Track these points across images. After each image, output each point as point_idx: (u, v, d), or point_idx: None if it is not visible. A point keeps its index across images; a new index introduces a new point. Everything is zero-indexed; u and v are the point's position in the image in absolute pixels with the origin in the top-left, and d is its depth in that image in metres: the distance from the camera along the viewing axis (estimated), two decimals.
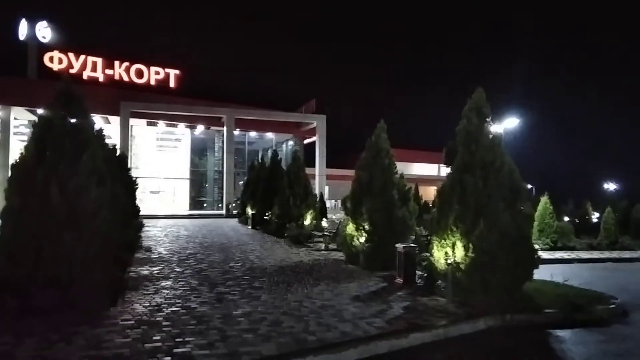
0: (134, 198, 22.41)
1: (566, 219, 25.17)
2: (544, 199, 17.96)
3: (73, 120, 8.28)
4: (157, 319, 6.51)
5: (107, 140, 30.16)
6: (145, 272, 10.05)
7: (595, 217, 30.83)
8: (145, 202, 38.36)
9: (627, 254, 16.57)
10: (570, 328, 7.26)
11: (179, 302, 7.44)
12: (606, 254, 16.32)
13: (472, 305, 7.66)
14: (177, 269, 10.49)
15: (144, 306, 7.22)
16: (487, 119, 8.75)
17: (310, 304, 7.55)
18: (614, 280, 11.86)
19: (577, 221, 26.70)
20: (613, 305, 8.20)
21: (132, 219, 18.06)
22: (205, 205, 39.31)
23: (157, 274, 9.91)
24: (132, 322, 6.36)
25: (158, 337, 5.70)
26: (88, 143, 8.23)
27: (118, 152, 22.33)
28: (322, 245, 15.38)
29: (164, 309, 7.02)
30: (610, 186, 50.24)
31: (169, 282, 9.02)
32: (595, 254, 16.23)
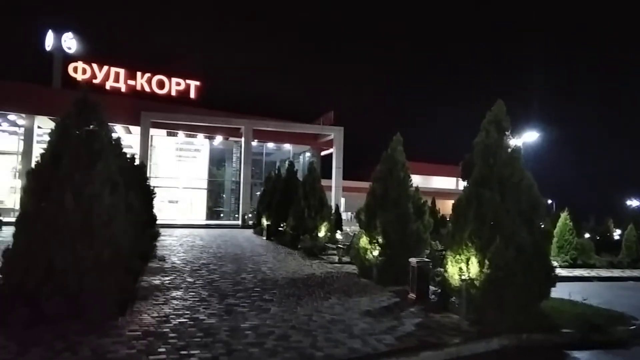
0: (151, 207, 22.71)
1: (587, 235, 24.55)
2: (564, 215, 17.54)
3: (89, 129, 8.39)
4: (164, 330, 6.46)
5: (127, 150, 30.67)
6: (157, 282, 10.04)
7: (617, 234, 30.09)
8: (164, 212, 38.78)
9: None
10: (588, 349, 7.00)
11: (187, 314, 7.38)
12: (627, 273, 15.82)
13: (486, 323, 7.44)
14: (189, 279, 10.46)
15: (152, 317, 7.17)
16: (507, 133, 8.58)
17: (320, 318, 7.42)
18: (634, 300, 11.46)
19: (598, 238, 26.05)
20: (633, 327, 7.88)
21: (148, 228, 18.22)
22: (222, 215, 39.51)
23: (169, 284, 9.89)
24: (139, 332, 6.32)
25: (163, 349, 5.64)
26: (103, 151, 8.29)
27: (137, 161, 22.73)
28: (336, 258, 15.24)
29: (172, 320, 6.96)
30: (633, 203, 49.08)
31: (179, 293, 8.98)
32: (616, 272, 15.75)
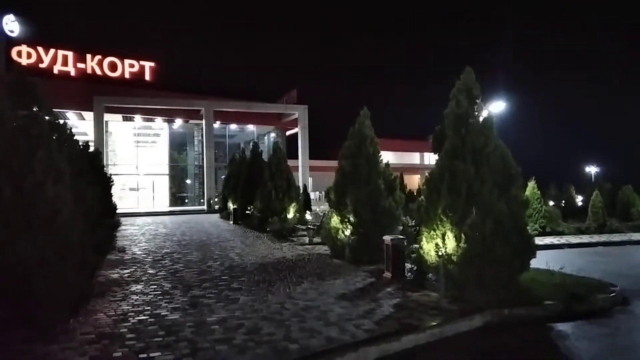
0: (109, 196, 21.66)
1: (551, 203, 24.96)
2: (532, 184, 17.59)
3: (26, 113, 7.54)
4: (121, 330, 5.84)
5: (82, 137, 29.19)
6: (115, 276, 9.34)
7: (579, 200, 30.83)
8: (125, 200, 37.39)
9: (616, 237, 16.29)
10: (571, 320, 6.78)
11: (147, 310, 6.76)
12: (596, 238, 16.02)
13: (466, 299, 7.14)
14: (150, 271, 9.79)
15: (108, 316, 6.53)
16: (477, 101, 8.19)
17: (293, 305, 6.94)
18: (607, 265, 11.49)
19: (562, 205, 26.58)
20: (613, 294, 7.75)
21: (106, 218, 17.28)
22: (186, 201, 38.45)
23: (128, 277, 9.20)
24: (93, 335, 5.68)
25: (119, 354, 5.04)
26: (43, 137, 7.46)
27: (92, 148, 21.52)
28: (306, 239, 14.78)
29: (130, 319, 6.34)
30: (592, 169, 50.55)
31: (139, 287, 8.32)
32: (585, 239, 15.92)
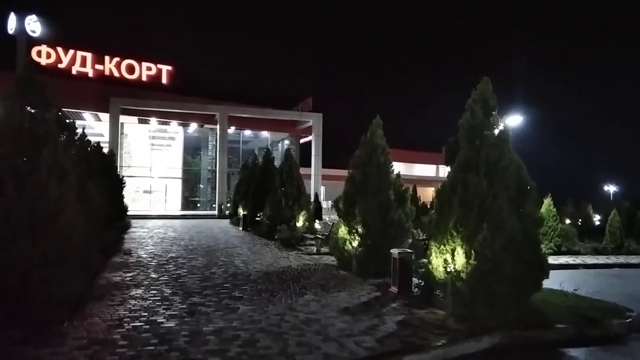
0: (121, 197, 21.70)
1: (567, 221, 24.39)
2: (547, 201, 17.15)
3: (33, 111, 7.50)
4: (114, 336, 5.67)
5: (98, 138, 29.35)
6: (117, 279, 9.21)
7: (596, 219, 30.12)
8: (138, 202, 37.56)
9: (634, 259, 15.76)
10: (584, 346, 6.46)
11: (144, 316, 6.59)
12: (612, 259, 15.52)
13: (475, 319, 6.84)
14: (153, 275, 9.64)
15: (104, 320, 6.38)
16: (494, 112, 7.92)
17: (293, 317, 6.71)
18: (624, 288, 11.06)
19: (579, 224, 25.96)
20: (629, 319, 7.38)
21: (115, 220, 17.26)
22: (198, 205, 38.46)
23: (130, 281, 9.06)
24: (85, 340, 5.52)
25: None
26: (49, 136, 7.39)
27: (105, 149, 21.60)
28: (314, 249, 14.56)
29: (125, 324, 6.17)
30: (610, 188, 49.56)
31: (139, 291, 8.16)
32: (601, 259, 15.42)
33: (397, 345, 5.64)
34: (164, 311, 6.86)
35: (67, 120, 10.05)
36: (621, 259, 15.54)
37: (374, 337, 5.92)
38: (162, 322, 6.29)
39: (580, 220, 27.50)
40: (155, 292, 8.14)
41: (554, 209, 17.15)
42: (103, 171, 16.89)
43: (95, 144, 18.91)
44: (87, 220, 8.81)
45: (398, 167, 12.07)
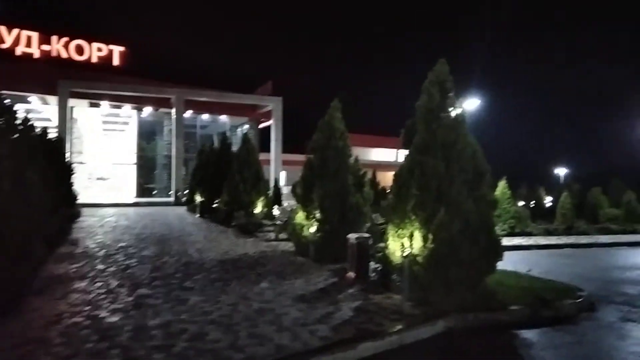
0: (69, 185, 20.72)
1: (521, 203, 25.06)
2: (502, 184, 17.49)
3: None
4: (51, 334, 5.26)
5: (46, 123, 27.89)
6: (61, 271, 8.69)
7: (548, 201, 31.14)
8: (91, 190, 36.15)
9: (583, 239, 16.30)
10: (537, 327, 6.50)
11: (86, 310, 6.18)
12: (563, 240, 16.00)
13: (431, 303, 6.79)
14: (100, 267, 9.16)
15: (42, 316, 5.94)
16: (450, 95, 7.81)
17: (246, 307, 6.46)
18: (574, 268, 11.39)
19: (532, 206, 26.73)
20: (580, 299, 7.51)
21: (63, 208, 16.44)
22: (154, 192, 37.42)
23: (74, 273, 8.56)
24: (18, 339, 5.09)
25: None
26: None
27: (52, 134, 20.50)
28: (272, 235, 14.31)
29: (64, 320, 5.76)
30: (561, 171, 51.35)
31: (83, 284, 7.71)
32: (553, 240, 15.88)
33: (352, 333, 5.48)
34: (108, 305, 6.47)
35: (6, 103, 9.36)
36: (572, 240, 16.04)
37: (329, 325, 5.75)
38: (104, 317, 5.90)
39: (533, 202, 28.29)
40: (101, 284, 7.70)
41: (509, 192, 17.52)
42: (48, 157, 16.02)
43: (41, 129, 17.94)
44: (27, 208, 8.26)
45: (357, 152, 11.93)
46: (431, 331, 6.03)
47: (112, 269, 8.97)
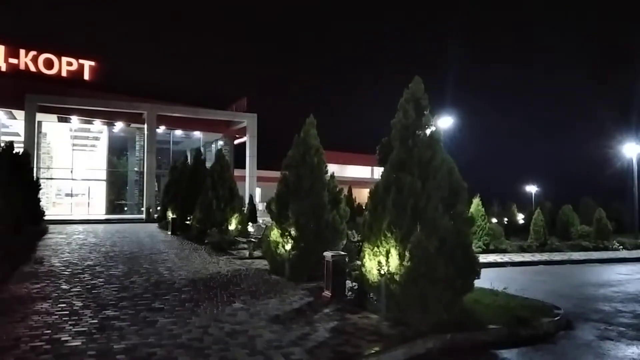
0: (36, 201, 20.01)
1: (494, 220, 25.36)
2: (476, 201, 17.61)
3: None
4: None
5: (14, 138, 27.03)
6: (23, 291, 8.24)
7: (520, 218, 31.64)
8: (59, 206, 35.05)
9: (557, 256, 16.49)
10: (515, 346, 6.42)
11: (46, 334, 5.81)
12: (537, 257, 16.14)
13: (408, 323, 6.65)
14: (64, 287, 8.73)
15: None
16: (425, 112, 7.80)
17: (218, 329, 6.19)
18: (549, 285, 11.45)
19: (505, 223, 27.08)
20: (557, 317, 7.49)
21: (27, 225, 15.82)
22: (125, 209, 36.48)
23: (36, 293, 8.13)
24: None
25: None
26: None
27: (18, 150, 19.81)
28: (247, 253, 14.02)
29: (22, 345, 5.39)
30: (532, 188, 52.35)
31: (45, 305, 7.30)
32: (527, 257, 16.01)
33: (328, 356, 5.28)
34: (71, 327, 6.11)
35: None
36: (545, 257, 16.20)
37: (304, 347, 5.53)
38: (66, 341, 5.56)
39: (506, 219, 28.70)
40: (64, 305, 7.31)
41: (482, 209, 17.64)
42: (12, 172, 15.43)
43: (6, 144, 17.34)
44: None
45: (333, 169, 11.83)
46: (409, 352, 5.87)
47: (77, 289, 8.56)
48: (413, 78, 8.05)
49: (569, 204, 23.29)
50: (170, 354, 5.18)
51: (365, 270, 7.57)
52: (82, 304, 7.39)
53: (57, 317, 6.63)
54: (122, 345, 5.42)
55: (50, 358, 4.98)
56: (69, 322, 6.35)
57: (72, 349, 5.27)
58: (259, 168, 34.97)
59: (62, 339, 5.64)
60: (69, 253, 13.47)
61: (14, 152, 17.63)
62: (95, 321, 6.44)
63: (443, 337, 6.31)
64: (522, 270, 13.71)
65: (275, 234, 10.76)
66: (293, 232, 10.36)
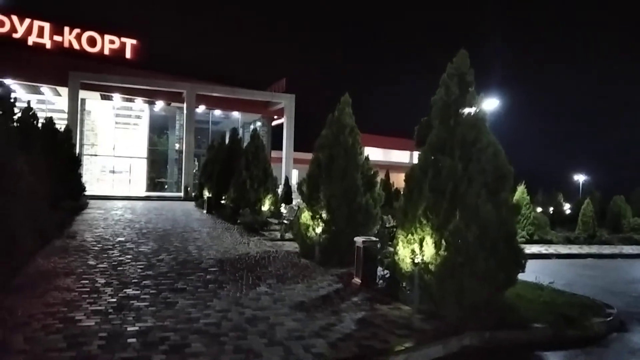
0: (76, 176, 20.35)
1: (538, 209, 24.15)
2: (521, 188, 16.67)
3: None
4: (16, 338, 4.71)
5: (59, 115, 27.47)
6: (49, 266, 8.18)
7: (566, 208, 30.09)
8: (103, 183, 35.97)
9: (606, 250, 15.44)
10: (562, 348, 5.82)
11: (61, 312, 5.62)
12: (585, 249, 15.14)
13: (443, 317, 6.14)
14: (91, 262, 8.63)
15: (11, 316, 5.39)
16: (470, 89, 7.12)
17: (238, 315, 5.85)
18: (599, 280, 10.61)
19: (550, 212, 25.78)
20: (610, 318, 6.78)
21: (66, 200, 16.04)
22: (165, 187, 37.05)
23: (62, 268, 8.04)
24: None
25: None
26: None
27: (59, 125, 20.14)
28: (278, 234, 13.72)
29: (35, 322, 5.21)
30: (580, 177, 49.99)
31: (68, 281, 7.18)
32: (574, 249, 15.04)
33: (352, 351, 4.84)
34: (88, 306, 5.91)
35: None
36: (594, 249, 15.19)
37: (327, 339, 5.11)
38: (79, 320, 5.34)
39: (551, 208, 27.33)
40: (87, 282, 7.16)
41: (527, 197, 16.70)
42: (52, 148, 15.63)
43: (45, 119, 17.56)
44: (14, 199, 7.79)
45: (371, 152, 11.30)
46: (443, 350, 5.36)
47: (103, 265, 8.44)
48: (459, 52, 7.37)
49: (620, 195, 21.84)
50: (184, 340, 4.86)
51: (398, 258, 7.07)
52: (104, 281, 7.22)
53: (76, 294, 6.46)
54: (135, 328, 5.15)
55: (59, 338, 4.76)
56: (87, 300, 6.16)
57: (84, 330, 5.03)
58: (296, 150, 34.64)
59: (76, 317, 5.43)
60: (103, 228, 13.54)
61: (54, 127, 17.82)
62: (114, 300, 6.23)
63: (481, 334, 5.76)
64: (568, 263, 12.83)
65: (305, 217, 10.37)
66: (324, 215, 9.95)
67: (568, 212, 27.81)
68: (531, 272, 7.86)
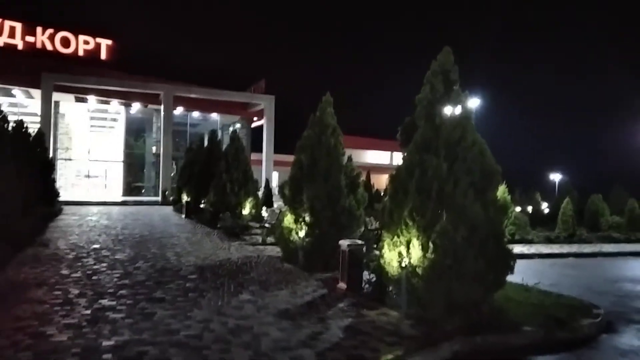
0: (49, 182, 19.71)
1: (517, 209, 24.31)
2: (502, 188, 16.63)
3: None
4: None
5: (32, 118, 26.62)
6: (20, 277, 7.77)
7: (544, 207, 30.42)
8: (77, 188, 35.07)
9: (587, 248, 15.56)
10: (552, 352, 5.72)
11: (32, 326, 5.28)
12: (566, 248, 15.22)
13: (432, 321, 5.97)
14: (64, 272, 8.24)
15: None
16: (455, 87, 7.01)
17: (220, 325, 5.59)
18: (582, 280, 10.65)
19: (530, 212, 25.99)
20: (599, 318, 6.72)
21: (38, 206, 15.48)
22: (143, 191, 36.32)
23: (33, 279, 7.64)
24: None
25: None
26: None
27: (33, 129, 19.49)
28: (259, 239, 13.45)
29: (3, 339, 4.85)
30: (556, 177, 50.76)
31: (40, 292, 6.80)
32: (555, 249, 15.11)
33: None
34: (60, 319, 5.57)
35: None
36: (574, 248, 15.28)
37: (314, 349, 4.90)
38: (51, 335, 5.01)
39: (530, 208, 27.58)
40: (59, 293, 6.80)
41: (509, 196, 16.73)
42: (21, 152, 15.04)
43: (15, 122, 16.92)
44: None
45: (350, 153, 11.12)
46: (434, 357, 5.20)
47: (77, 274, 8.06)
48: (443, 49, 7.25)
49: (598, 194, 22.13)
50: (163, 354, 4.59)
51: (384, 261, 6.90)
52: (78, 292, 6.86)
53: (48, 306, 6.11)
54: (111, 342, 4.85)
55: (29, 355, 4.44)
56: (60, 313, 5.81)
57: (56, 345, 4.72)
58: (276, 152, 34.34)
59: (48, 332, 5.10)
60: (78, 235, 13.08)
61: (25, 131, 17.20)
62: (88, 312, 5.90)
63: (473, 339, 5.62)
64: (551, 263, 12.87)
65: (288, 220, 10.13)
66: (307, 218, 9.73)
67: (546, 211, 28.13)
68: (517, 273, 7.76)
